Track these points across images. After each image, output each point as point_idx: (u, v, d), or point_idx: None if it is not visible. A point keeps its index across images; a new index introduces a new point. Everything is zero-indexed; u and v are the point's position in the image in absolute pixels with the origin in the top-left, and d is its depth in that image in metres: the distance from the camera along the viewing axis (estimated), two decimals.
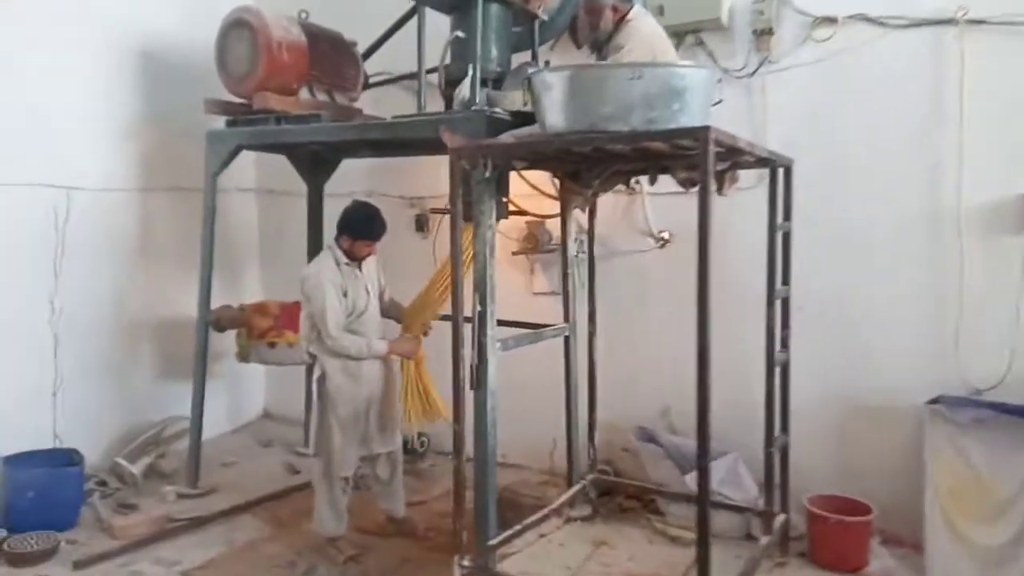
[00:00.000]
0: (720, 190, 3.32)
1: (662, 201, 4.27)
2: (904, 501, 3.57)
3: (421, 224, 5.09)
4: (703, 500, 2.59)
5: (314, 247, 5.05)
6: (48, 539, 3.63)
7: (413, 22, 4.33)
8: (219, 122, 4.47)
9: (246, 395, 5.92)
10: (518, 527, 3.57)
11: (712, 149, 2.42)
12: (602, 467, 4.27)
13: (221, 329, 4.51)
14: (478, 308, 3.16)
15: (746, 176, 3.70)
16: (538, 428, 4.63)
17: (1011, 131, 3.41)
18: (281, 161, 5.03)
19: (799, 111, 3.82)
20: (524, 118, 3.49)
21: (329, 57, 4.31)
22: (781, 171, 3.49)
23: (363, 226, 3.59)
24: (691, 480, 3.84)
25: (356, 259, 3.61)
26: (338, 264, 3.57)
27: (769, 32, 3.80)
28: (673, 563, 3.57)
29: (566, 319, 4.05)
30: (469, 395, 3.19)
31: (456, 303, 3.09)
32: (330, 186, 5.10)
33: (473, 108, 3.35)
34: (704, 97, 2.76)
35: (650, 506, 4.19)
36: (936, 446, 3.58)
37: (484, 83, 3.55)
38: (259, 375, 5.94)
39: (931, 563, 3.38)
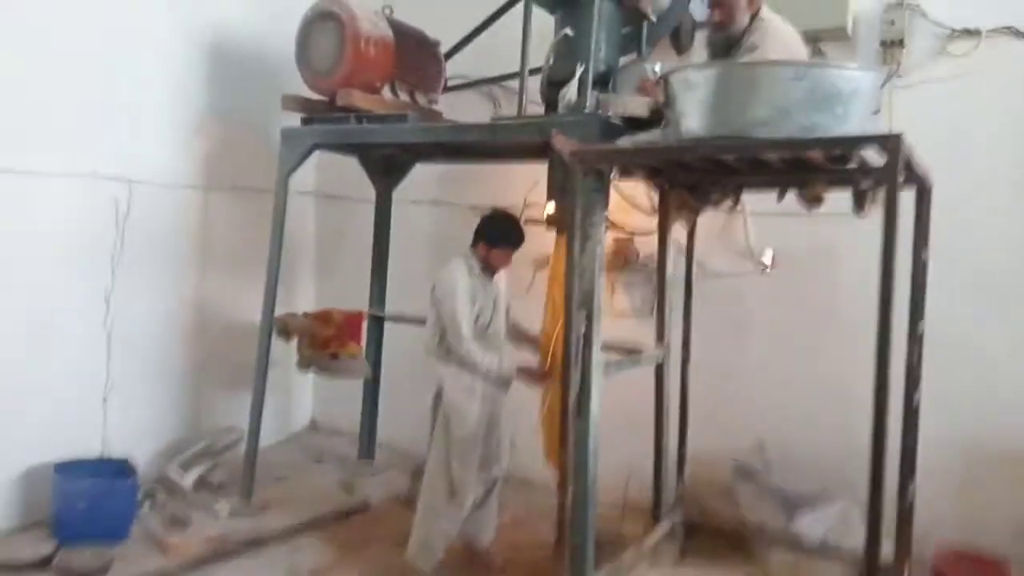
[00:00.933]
0: (862, 210, 3.02)
1: (765, 222, 3.98)
2: None
3: None
4: None
5: (380, 254, 4.81)
6: (101, 555, 3.37)
7: (499, 22, 4.13)
8: (291, 120, 4.25)
9: (294, 405, 5.66)
10: (612, 567, 3.27)
11: (903, 161, 2.13)
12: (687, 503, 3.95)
13: (287, 337, 4.26)
14: (583, 329, 2.88)
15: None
16: (611, 459, 4.27)
17: None
18: (343, 164, 4.79)
19: (931, 130, 3.48)
20: (636, 123, 3.24)
21: (414, 55, 4.07)
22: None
23: (505, 233, 3.43)
24: (801, 526, 3.53)
25: (492, 269, 3.43)
26: (471, 272, 3.38)
27: (899, 44, 3.53)
28: None
29: (659, 343, 3.76)
30: None
31: (569, 323, 2.81)
32: (397, 192, 4.86)
33: (585, 111, 3.08)
34: (868, 103, 2.48)
35: (743, 549, 3.87)
36: None
37: (593, 85, 3.29)
38: (307, 384, 5.69)
39: None
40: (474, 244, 3.43)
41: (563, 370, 3.30)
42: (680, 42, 3.96)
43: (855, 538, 3.54)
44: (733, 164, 2.66)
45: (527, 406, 3.60)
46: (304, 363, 4.39)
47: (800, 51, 3.01)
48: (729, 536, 3.87)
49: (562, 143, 2.92)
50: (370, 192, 5.15)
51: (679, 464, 3.89)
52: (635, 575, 3.39)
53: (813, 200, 3.24)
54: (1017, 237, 3.42)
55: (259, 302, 4.29)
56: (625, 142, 2.97)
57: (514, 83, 4.61)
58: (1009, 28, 3.36)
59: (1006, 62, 3.37)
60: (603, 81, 3.27)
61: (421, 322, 4.70)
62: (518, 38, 3.62)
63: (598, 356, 2.93)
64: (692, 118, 2.59)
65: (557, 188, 3.39)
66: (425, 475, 3.35)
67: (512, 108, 4.67)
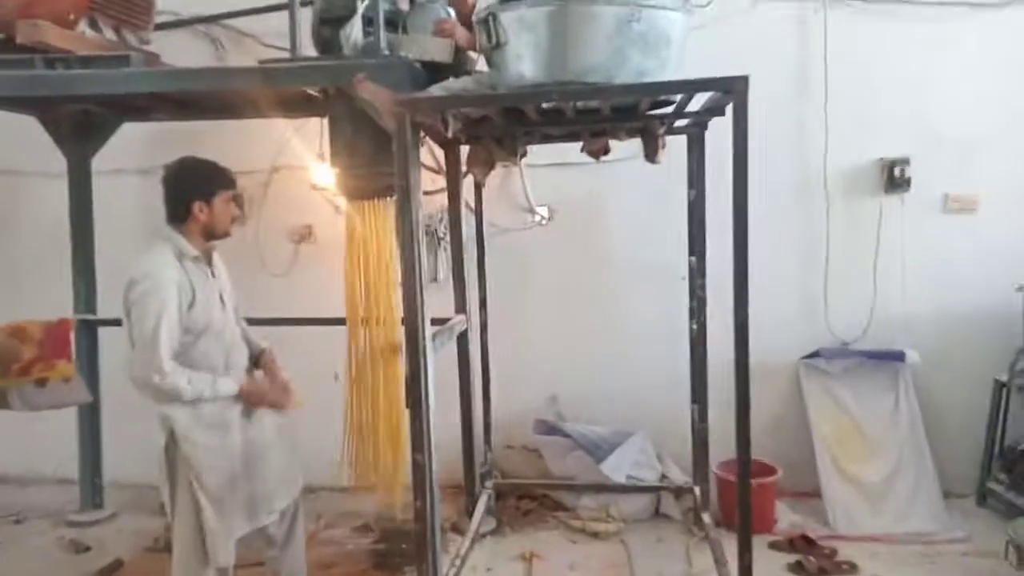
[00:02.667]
0: (654, 157, 3.10)
1: (540, 174, 3.95)
2: (796, 454, 3.76)
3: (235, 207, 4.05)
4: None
5: (83, 240, 3.76)
6: None
7: None
8: None
9: None
10: (456, 560, 3.02)
11: (747, 103, 2.16)
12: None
13: None
14: (407, 303, 2.52)
15: (620, 147, 3.45)
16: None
17: (866, 101, 3.74)
18: None
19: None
20: (440, 70, 2.89)
21: None
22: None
23: (217, 173, 2.50)
24: (608, 468, 3.64)
25: (218, 236, 2.52)
26: (182, 258, 2.42)
27: None
28: (614, 562, 3.32)
29: (459, 310, 3.53)
30: None
31: (414, 302, 2.42)
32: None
33: (387, 55, 2.65)
34: (683, 47, 2.49)
35: (546, 503, 3.90)
36: (815, 398, 3.86)
37: (370, 23, 2.84)
38: None
39: (830, 507, 3.61)
40: (177, 215, 2.45)
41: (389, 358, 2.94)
42: None
43: (654, 470, 3.80)
44: (568, 112, 2.49)
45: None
46: None
47: None
48: (540, 496, 3.88)
49: (372, 91, 2.47)
50: (41, 163, 3.99)
51: (485, 432, 3.75)
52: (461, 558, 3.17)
53: (600, 150, 3.27)
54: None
55: None
56: (437, 91, 2.61)
57: (239, 22, 3.96)
58: None
59: (730, 14, 3.68)
60: (389, 21, 2.83)
61: None
62: None
63: (429, 332, 2.60)
64: (527, 62, 2.36)
65: (343, 148, 2.90)
66: (175, 545, 2.48)
67: (238, 51, 3.99)
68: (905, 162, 3.74)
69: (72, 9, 2.92)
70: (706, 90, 2.34)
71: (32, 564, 3.42)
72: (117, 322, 3.65)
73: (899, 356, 3.70)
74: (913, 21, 3.70)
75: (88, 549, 3.53)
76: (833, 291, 3.86)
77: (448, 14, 2.93)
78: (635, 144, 3.56)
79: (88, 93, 2.84)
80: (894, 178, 3.75)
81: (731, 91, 2.18)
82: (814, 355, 3.85)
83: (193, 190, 2.43)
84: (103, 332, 3.88)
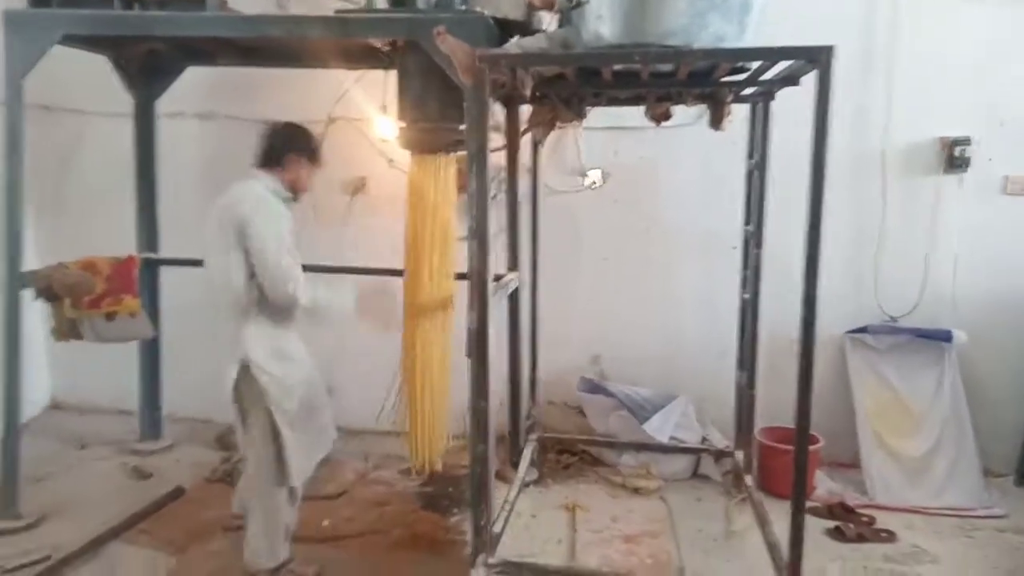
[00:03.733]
0: (719, 124, 3.10)
1: (595, 137, 3.96)
2: (837, 425, 3.81)
3: None
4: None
5: (147, 181, 3.87)
6: None
7: None
8: None
9: (27, 383, 4.42)
10: (505, 504, 3.14)
11: (831, 74, 2.16)
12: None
13: (52, 297, 3.22)
14: (477, 259, 2.59)
15: (677, 113, 3.42)
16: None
17: (929, 79, 3.69)
18: (67, 68, 3.63)
19: None
20: (508, 27, 2.91)
21: None
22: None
23: (313, 142, 2.72)
24: (651, 428, 3.73)
25: (299, 192, 2.71)
26: (279, 198, 2.63)
27: None
28: (655, 517, 3.43)
29: (511, 268, 3.59)
30: None
31: (484, 256, 2.48)
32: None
33: (463, 8, 2.67)
34: (762, 13, 2.48)
35: (586, 458, 4.01)
36: (859, 372, 3.89)
37: None
38: (40, 356, 4.50)
39: (868, 478, 3.68)
40: (272, 164, 2.64)
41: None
42: None
43: (695, 432, 3.88)
44: (642, 75, 2.51)
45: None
46: (64, 331, 3.38)
47: None
48: (580, 451, 3.98)
49: (451, 45, 2.50)
50: (109, 103, 4.07)
51: (531, 387, 3.84)
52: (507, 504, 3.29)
53: (663, 115, 3.27)
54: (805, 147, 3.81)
55: None
56: (513, 47, 2.63)
57: None
58: None
59: None
60: None
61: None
62: None
63: (492, 286, 2.67)
64: (605, 23, 2.36)
65: (411, 102, 2.94)
66: (248, 468, 2.70)
67: (302, 1, 4.00)
68: (966, 142, 3.70)
69: None
70: (789, 59, 2.33)
71: (100, 487, 3.61)
72: (178, 261, 3.89)
73: (946, 335, 3.71)
74: (983, 1, 3.62)
75: (150, 476, 3.71)
76: (884, 268, 3.86)
77: None
78: (691, 111, 3.59)
79: (167, 35, 2.89)
80: (954, 158, 3.71)
81: (815, 61, 2.17)
82: (861, 330, 3.87)
83: (292, 145, 2.64)
84: (164, 270, 4.01)
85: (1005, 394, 3.81)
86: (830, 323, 3.88)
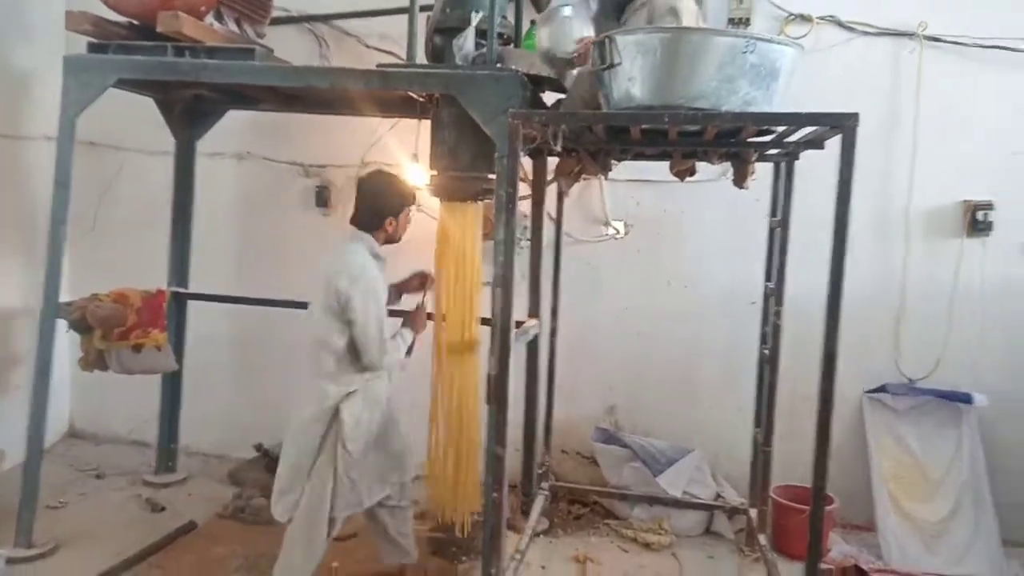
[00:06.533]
0: (742, 183, 3.15)
1: (618, 189, 4.03)
2: (852, 486, 3.77)
3: (323, 198, 4.24)
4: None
5: (183, 217, 3.98)
6: None
7: None
8: (74, 46, 3.21)
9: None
10: (516, 554, 3.12)
11: (855, 139, 2.22)
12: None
13: (86, 330, 3.30)
14: (501, 306, 2.63)
15: (700, 169, 3.51)
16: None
17: (953, 143, 3.74)
18: (112, 107, 3.76)
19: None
20: (540, 83, 3.02)
21: None
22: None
23: (407, 189, 2.86)
24: (665, 482, 3.71)
25: (394, 242, 2.87)
26: (376, 260, 2.77)
27: (745, 22, 3.73)
28: (665, 574, 3.39)
29: (532, 315, 3.63)
30: None
31: (508, 303, 2.53)
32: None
33: (498, 66, 2.77)
34: (790, 79, 2.55)
35: (597, 509, 3.97)
36: (877, 433, 3.86)
37: (482, 36, 2.96)
38: (63, 384, 4.56)
39: (884, 542, 3.62)
40: (372, 224, 2.76)
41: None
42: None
43: (708, 488, 3.85)
44: (670, 134, 2.58)
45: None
46: (92, 361, 3.44)
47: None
48: (593, 501, 3.96)
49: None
50: (149, 141, 4.24)
51: (546, 435, 3.85)
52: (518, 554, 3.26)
53: (687, 171, 3.34)
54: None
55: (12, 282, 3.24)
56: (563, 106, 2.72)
57: (343, 22, 4.13)
58: (832, 17, 3.74)
59: (827, 47, 3.73)
60: (499, 35, 2.95)
61: (231, 300, 4.04)
62: None
63: (514, 332, 2.71)
64: (637, 84, 2.45)
65: (444, 151, 3.03)
66: (307, 494, 2.70)
67: (339, 50, 4.16)
68: (989, 206, 3.73)
69: (204, 2, 3.10)
70: (815, 124, 2.40)
71: (115, 517, 3.62)
72: (205, 296, 3.97)
73: (966, 398, 3.69)
74: (1006, 66, 3.68)
75: (163, 509, 3.72)
76: (905, 328, 3.86)
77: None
78: (715, 167, 3.65)
79: (216, 82, 3.01)
80: (977, 221, 3.74)
81: (839, 127, 2.24)
82: (880, 390, 3.85)
83: (389, 207, 2.78)
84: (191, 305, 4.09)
85: None
86: (849, 382, 3.87)
